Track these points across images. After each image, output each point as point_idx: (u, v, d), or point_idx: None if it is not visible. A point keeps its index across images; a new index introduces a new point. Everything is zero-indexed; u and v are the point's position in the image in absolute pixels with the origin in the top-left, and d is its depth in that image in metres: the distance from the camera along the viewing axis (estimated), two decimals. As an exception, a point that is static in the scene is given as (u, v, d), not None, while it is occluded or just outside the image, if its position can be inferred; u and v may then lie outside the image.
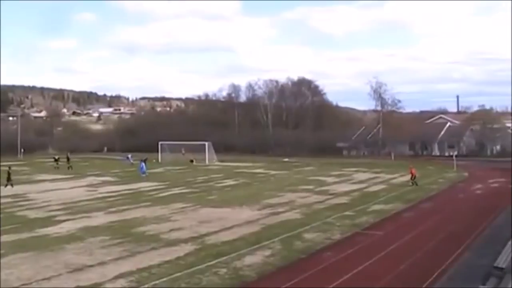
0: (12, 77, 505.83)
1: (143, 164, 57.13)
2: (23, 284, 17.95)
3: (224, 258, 20.88)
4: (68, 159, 67.37)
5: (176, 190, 44.77)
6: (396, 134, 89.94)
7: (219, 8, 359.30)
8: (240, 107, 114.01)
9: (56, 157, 68.68)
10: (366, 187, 45.66)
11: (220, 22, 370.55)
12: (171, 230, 27.06)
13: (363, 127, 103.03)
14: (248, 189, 45.55)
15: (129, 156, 75.91)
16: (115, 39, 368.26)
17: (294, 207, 34.40)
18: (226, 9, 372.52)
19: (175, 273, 18.89)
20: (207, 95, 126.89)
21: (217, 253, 21.78)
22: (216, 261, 20.45)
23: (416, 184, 45.26)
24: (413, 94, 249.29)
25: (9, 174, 45.94)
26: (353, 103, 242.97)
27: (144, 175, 55.24)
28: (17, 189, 44.58)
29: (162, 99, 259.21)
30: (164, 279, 18.20)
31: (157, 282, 17.88)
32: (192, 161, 74.56)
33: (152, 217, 31.20)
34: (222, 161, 75.14)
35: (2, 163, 62.84)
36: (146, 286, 17.49)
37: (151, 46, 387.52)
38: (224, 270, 19.30)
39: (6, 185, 44.65)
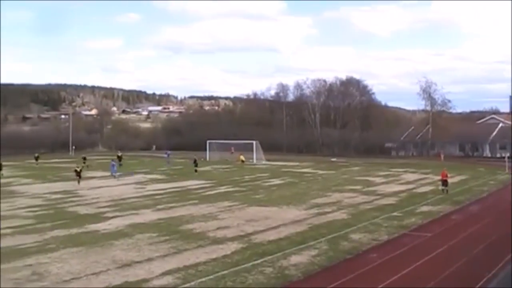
0: (64, 76, 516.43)
1: (114, 163, 56.96)
2: (73, 278, 18.34)
3: (270, 257, 20.92)
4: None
5: (223, 189, 45.01)
6: (445, 134, 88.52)
7: (262, 8, 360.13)
8: (288, 107, 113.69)
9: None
10: (414, 188, 45.10)
11: (264, 21, 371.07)
12: (218, 228, 27.21)
13: (412, 127, 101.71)
14: (295, 188, 45.47)
15: (168, 153, 76.70)
16: (160, 39, 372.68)
17: (341, 207, 34.24)
18: (269, 9, 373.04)
19: (221, 271, 19.00)
20: (255, 94, 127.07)
21: (263, 252, 21.83)
22: (262, 260, 20.50)
23: (447, 192, 40.79)
24: (460, 94, 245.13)
25: (79, 171, 46.88)
26: (401, 103, 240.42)
27: (115, 174, 54.67)
28: (68, 185, 45.45)
29: (211, 98, 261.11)
30: (210, 276, 18.32)
31: (203, 279, 18.02)
32: (243, 161, 74.80)
33: (199, 215, 31.44)
34: (269, 160, 75.18)
35: (55, 160, 64.33)
36: (192, 283, 17.64)
37: (195, 46, 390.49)
38: (270, 269, 19.33)
39: (79, 182, 45.86)
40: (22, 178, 54.06)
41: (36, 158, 69.03)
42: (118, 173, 54.56)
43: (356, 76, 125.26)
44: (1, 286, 17.45)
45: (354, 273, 18.85)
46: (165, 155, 75.67)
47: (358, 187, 45.50)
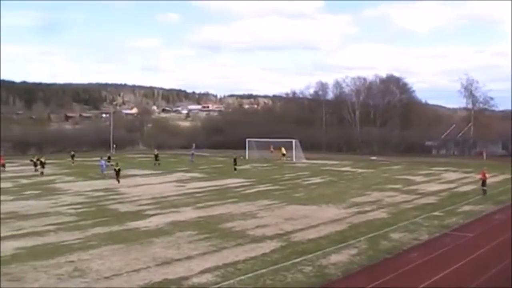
0: (105, 76, 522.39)
1: (103, 162, 56.73)
2: (113, 275, 18.59)
3: (309, 256, 20.88)
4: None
5: (262, 187, 45.06)
6: (487, 133, 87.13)
7: (300, 6, 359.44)
8: (327, 105, 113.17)
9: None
10: (455, 187, 44.53)
11: (303, 20, 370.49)
12: (257, 226, 27.27)
13: (453, 126, 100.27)
14: (335, 187, 45.29)
15: (193, 152, 76.94)
16: (199, 38, 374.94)
17: (381, 206, 33.99)
18: (308, 7, 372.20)
19: (260, 269, 19.04)
20: (294, 93, 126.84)
21: (302, 250, 21.81)
22: (301, 258, 20.48)
23: (485, 193, 39.12)
24: (503, 92, 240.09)
25: (118, 170, 47.39)
26: (441, 101, 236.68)
27: (105, 172, 54.40)
28: (110, 183, 46.04)
29: (250, 96, 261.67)
30: (249, 275, 18.38)
31: (242, 277, 18.08)
32: (284, 154, 74.98)
33: (238, 213, 31.55)
34: (308, 158, 74.96)
35: (97, 158, 65.19)
36: (231, 281, 17.71)
37: (235, 45, 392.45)
38: (309, 268, 19.30)
39: (118, 181, 46.29)
40: (65, 176, 54.93)
41: (72, 157, 69.90)
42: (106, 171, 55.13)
43: (396, 74, 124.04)
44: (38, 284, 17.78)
45: (394, 272, 18.70)
46: (190, 156, 75.58)
47: (398, 186, 45.10)
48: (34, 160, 59.10)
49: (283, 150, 76.24)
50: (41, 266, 19.75)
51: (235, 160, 59.75)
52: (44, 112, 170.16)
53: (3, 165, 59.25)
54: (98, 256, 21.28)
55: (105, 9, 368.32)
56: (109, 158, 64.91)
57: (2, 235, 25.73)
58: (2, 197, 37.61)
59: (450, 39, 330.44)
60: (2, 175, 54.88)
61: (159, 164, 66.01)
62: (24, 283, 17.98)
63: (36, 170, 56.76)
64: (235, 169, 58.04)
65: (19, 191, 43.17)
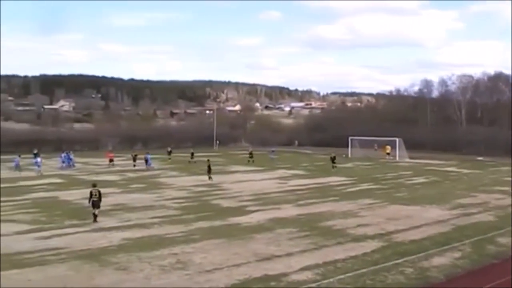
0: (209, 73, 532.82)
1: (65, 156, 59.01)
2: (214, 268, 18.95)
3: (411, 257, 20.48)
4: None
5: (364, 186, 44.59)
6: None
7: (404, 2, 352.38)
8: (432, 103, 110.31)
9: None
10: None
11: (406, 16, 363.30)
12: (358, 225, 27.04)
13: None
14: (439, 187, 44.18)
15: (273, 150, 76.56)
16: (301, 36, 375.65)
17: (487, 209, 32.85)
18: (411, 3, 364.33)
19: (361, 269, 18.87)
20: (398, 91, 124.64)
21: (404, 251, 21.44)
22: (402, 259, 20.13)
23: None
24: None
25: (209, 166, 48.14)
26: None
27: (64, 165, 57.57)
28: (213, 179, 46.80)
29: (353, 94, 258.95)
30: (349, 274, 18.24)
31: (342, 276, 17.97)
32: (388, 153, 74.03)
33: (339, 212, 31.38)
34: (412, 158, 73.46)
35: (200, 154, 66.58)
36: (331, 280, 17.64)
37: (338, 42, 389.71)
38: (410, 269, 18.93)
39: (209, 178, 47.02)
40: (169, 170, 56.38)
41: (169, 153, 71.19)
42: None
43: (506, 71, 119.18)
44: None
45: (500, 279, 18.01)
46: (270, 153, 75.11)
47: (507, 188, 43.31)
48: (133, 155, 61.56)
49: (388, 149, 75.22)
50: (146, 257, 20.42)
51: (333, 158, 59.08)
52: (151, 109, 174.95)
53: (112, 160, 61.48)
54: (200, 249, 21.76)
55: (210, 9, 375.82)
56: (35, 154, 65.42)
57: (110, 225, 26.85)
58: (111, 190, 39.04)
59: None
60: (111, 169, 57.17)
61: (253, 161, 66.37)
62: (130, 272, 18.66)
63: (134, 166, 58.81)
64: (333, 167, 57.59)
65: (126, 184, 44.77)
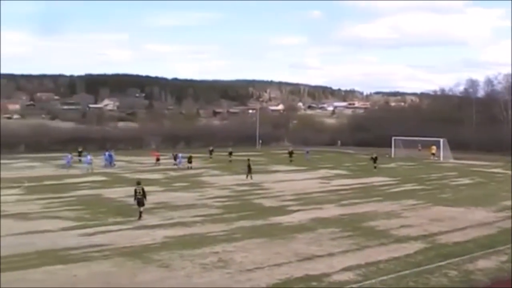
0: (252, 73, 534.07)
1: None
2: (256, 268, 18.95)
3: (455, 259, 20.15)
4: (291, 153, 68.79)
5: (408, 186, 44.11)
6: None
7: (449, 1, 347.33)
8: (478, 103, 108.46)
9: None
10: None
11: (451, 14, 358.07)
12: (401, 226, 26.75)
13: None
14: (484, 189, 43.42)
15: (307, 150, 76.04)
16: (344, 35, 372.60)
17: (535, 211, 32.14)
18: (456, 2, 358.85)
19: (403, 270, 18.64)
20: (443, 90, 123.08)
21: (447, 253, 21.10)
22: (446, 262, 19.81)
23: None
24: None
25: (249, 166, 48.19)
26: None
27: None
28: (255, 178, 46.86)
29: (396, 94, 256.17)
30: (392, 275, 18.04)
31: (384, 278, 17.78)
32: (433, 154, 73.26)
33: (382, 212, 31.11)
34: (456, 158, 72.38)
35: (242, 154, 66.77)
36: (373, 281, 17.48)
37: (381, 41, 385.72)
38: (454, 272, 18.61)
39: (247, 176, 47.08)
40: (211, 169, 56.65)
41: (210, 152, 71.60)
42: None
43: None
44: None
45: (548, 282, 17.61)
46: (305, 153, 74.68)
47: (554, 190, 42.39)
48: (174, 155, 62.17)
49: (434, 149, 74.30)
50: (188, 255, 20.55)
51: (374, 159, 58.47)
52: (193, 108, 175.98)
53: (158, 159, 62.21)
54: (241, 248, 21.80)
55: (253, 9, 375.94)
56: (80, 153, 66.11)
57: (153, 223, 27.12)
58: (154, 188, 39.36)
59: None
60: (154, 167, 57.79)
61: (291, 161, 66.21)
62: (172, 270, 18.80)
63: (175, 164, 59.31)
64: (375, 167, 57.06)
65: (169, 183, 45.17)
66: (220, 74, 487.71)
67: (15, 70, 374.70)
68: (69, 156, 58.57)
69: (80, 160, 61.14)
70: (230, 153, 67.31)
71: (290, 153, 68.65)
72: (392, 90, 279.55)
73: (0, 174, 48.16)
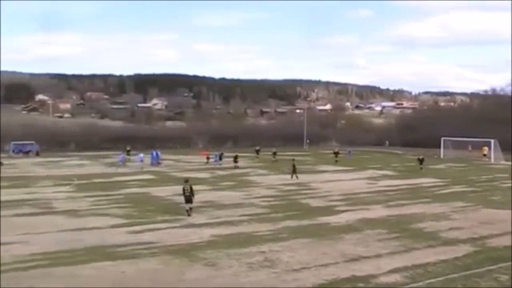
0: (300, 72, 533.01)
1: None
2: (302, 268, 18.91)
3: (506, 264, 19.66)
4: (336, 153, 68.51)
5: (457, 188, 43.39)
6: None
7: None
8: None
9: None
10: None
11: (502, 13, 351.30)
12: (450, 229, 26.32)
13: None
14: (536, 191, 42.44)
15: (350, 150, 75.34)
16: (393, 34, 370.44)
17: None
18: (506, 0, 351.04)
19: (451, 273, 18.33)
20: (494, 90, 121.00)
21: (497, 257, 20.64)
22: (496, 266, 19.38)
23: None
24: None
25: (294, 166, 48.13)
26: None
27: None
28: (301, 178, 46.78)
29: (446, 93, 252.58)
30: (440, 278, 17.77)
31: (432, 280, 17.53)
32: (485, 154, 72.34)
33: (430, 214, 30.66)
34: (508, 160, 70.94)
35: (289, 153, 66.70)
36: (420, 283, 17.25)
37: (430, 40, 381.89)
38: (505, 277, 18.15)
39: (292, 176, 47.05)
40: (258, 169, 56.81)
41: (257, 152, 71.92)
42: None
43: None
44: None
45: None
46: (348, 153, 74.11)
47: None
48: (219, 154, 62.84)
49: (485, 150, 72.98)
50: (234, 254, 20.63)
51: (421, 160, 57.62)
52: (241, 107, 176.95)
53: (208, 158, 62.82)
54: (288, 248, 21.78)
55: (301, 9, 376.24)
56: (128, 151, 66.65)
57: (200, 222, 27.34)
58: (201, 187, 39.63)
59: None
60: (201, 166, 58.24)
61: (336, 161, 65.94)
62: (218, 268, 18.90)
63: (221, 164, 59.90)
64: (421, 168, 56.31)
65: (216, 182, 45.49)
66: (268, 73, 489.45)
67: (67, 70, 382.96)
68: (122, 154, 59.76)
69: (129, 159, 62.19)
70: (274, 153, 67.52)
71: (336, 153, 68.35)
72: (441, 90, 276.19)
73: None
